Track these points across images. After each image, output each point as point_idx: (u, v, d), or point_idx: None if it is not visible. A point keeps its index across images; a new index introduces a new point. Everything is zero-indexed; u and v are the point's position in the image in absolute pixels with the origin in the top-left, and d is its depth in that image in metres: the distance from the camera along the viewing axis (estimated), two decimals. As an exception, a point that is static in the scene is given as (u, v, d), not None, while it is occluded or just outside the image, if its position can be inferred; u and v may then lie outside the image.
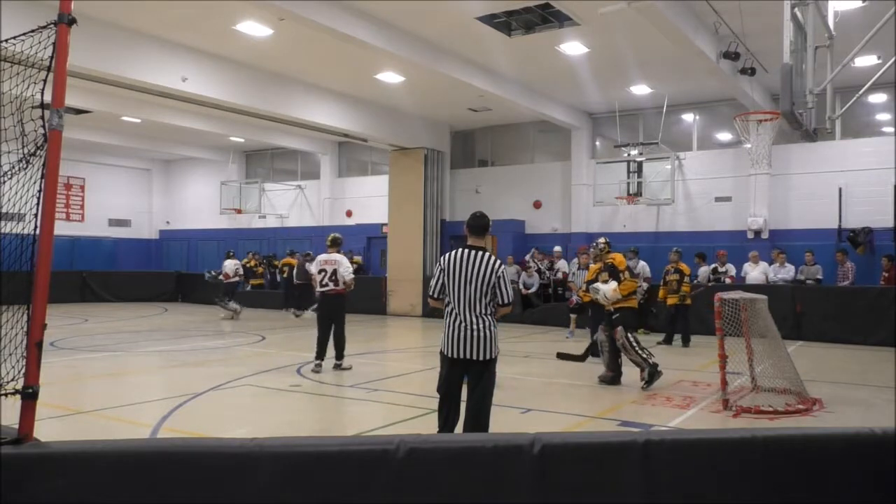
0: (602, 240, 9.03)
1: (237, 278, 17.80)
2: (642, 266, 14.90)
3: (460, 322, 4.88)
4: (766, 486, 2.73)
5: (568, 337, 13.46)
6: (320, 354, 9.48)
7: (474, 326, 4.87)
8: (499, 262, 5.02)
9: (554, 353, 9.98)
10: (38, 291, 2.78)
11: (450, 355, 4.93)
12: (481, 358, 4.89)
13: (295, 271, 19.36)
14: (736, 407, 6.94)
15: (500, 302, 4.96)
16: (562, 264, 16.78)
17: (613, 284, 8.43)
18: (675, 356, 11.07)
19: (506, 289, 4.97)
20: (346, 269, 9.53)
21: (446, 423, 5.04)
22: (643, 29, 11.35)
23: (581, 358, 9.36)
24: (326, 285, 9.50)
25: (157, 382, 9.14)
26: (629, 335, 8.31)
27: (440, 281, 5.01)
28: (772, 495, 2.74)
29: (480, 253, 4.96)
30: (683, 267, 12.73)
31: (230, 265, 17.62)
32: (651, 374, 8.18)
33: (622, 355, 8.47)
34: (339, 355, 9.56)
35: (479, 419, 4.95)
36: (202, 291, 22.79)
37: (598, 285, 8.64)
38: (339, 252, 9.75)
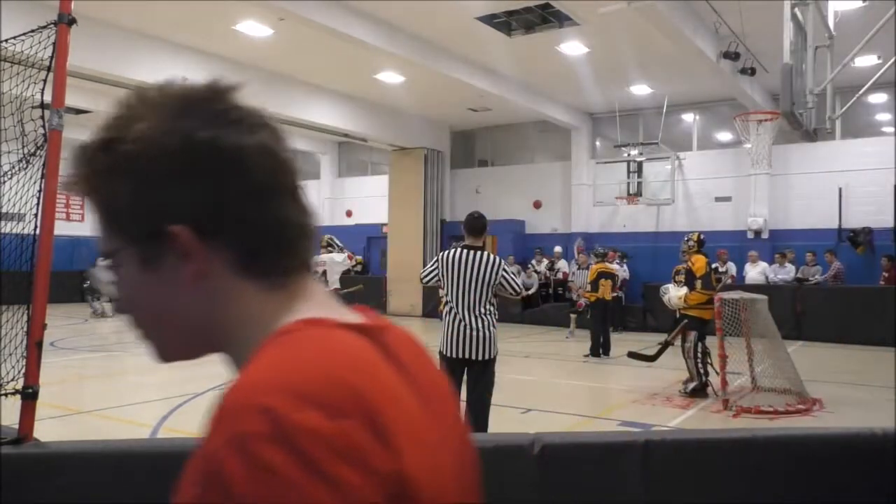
0: (694, 236, 8.31)
1: None
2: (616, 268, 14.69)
3: (460, 321, 4.90)
4: (767, 487, 2.73)
5: (568, 337, 13.45)
6: None
7: (474, 326, 4.89)
8: (497, 258, 5.06)
9: (553, 353, 9.99)
10: (38, 291, 2.78)
11: (449, 355, 4.93)
12: (481, 358, 4.91)
13: None
14: (736, 407, 6.95)
15: (514, 293, 5.09)
16: (562, 264, 16.79)
17: (682, 292, 8.09)
18: (676, 356, 11.06)
19: (514, 281, 5.07)
20: (333, 268, 9.68)
21: None
22: (643, 29, 11.34)
23: (653, 358, 8.74)
24: None
25: (157, 382, 9.13)
26: (699, 344, 7.81)
27: (434, 273, 5.10)
28: (772, 495, 2.74)
29: (479, 252, 4.98)
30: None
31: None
32: (695, 389, 7.78)
33: (704, 361, 7.85)
34: None
35: (478, 419, 4.95)
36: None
37: (669, 286, 8.43)
38: (332, 252, 9.85)
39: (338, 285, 9.76)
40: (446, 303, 5.02)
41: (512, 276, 5.06)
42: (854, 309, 12.81)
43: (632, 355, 9.05)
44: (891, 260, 13.49)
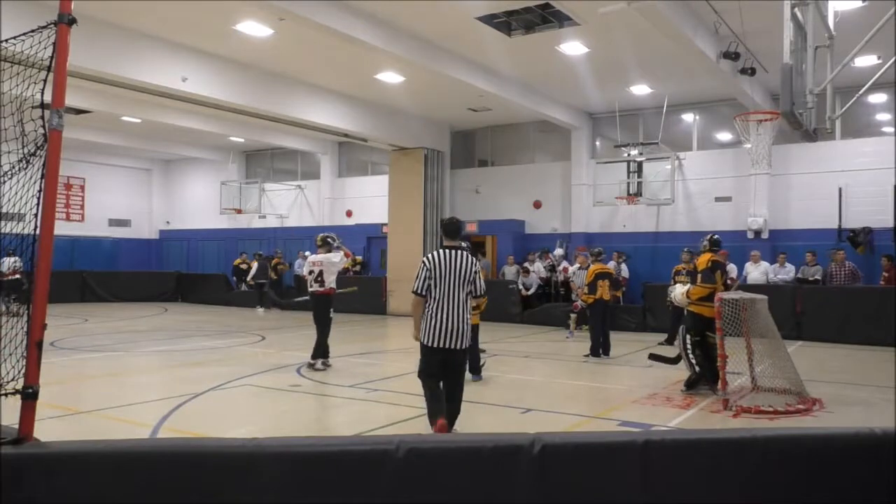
0: (708, 238, 8.49)
1: (16, 276, 17.68)
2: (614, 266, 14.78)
3: (446, 315, 5.39)
4: (767, 486, 2.73)
5: (568, 337, 13.45)
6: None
7: (457, 318, 5.42)
8: (474, 259, 5.63)
9: (553, 353, 9.98)
10: (38, 291, 2.78)
11: (431, 345, 5.41)
12: (461, 347, 5.46)
13: (255, 271, 20.26)
14: (736, 407, 6.95)
15: (476, 293, 5.59)
16: (564, 265, 16.86)
17: (685, 288, 8.36)
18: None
19: (481, 281, 5.61)
20: (330, 268, 9.56)
21: (436, 413, 5.41)
22: (643, 29, 11.34)
23: (674, 361, 8.81)
24: (312, 286, 9.59)
25: (157, 382, 9.14)
26: (688, 338, 7.99)
27: (426, 280, 5.46)
28: (772, 495, 2.74)
29: (459, 251, 5.55)
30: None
31: (7, 262, 17.54)
32: (693, 381, 7.91)
33: (694, 353, 7.97)
34: (315, 354, 9.43)
35: (457, 398, 5.59)
36: (202, 291, 22.84)
37: (676, 287, 8.74)
38: (329, 251, 9.70)
39: (334, 285, 9.64)
40: (432, 297, 5.42)
41: (481, 277, 5.62)
42: (854, 309, 12.81)
43: (653, 357, 9.16)
44: (891, 260, 13.48)
